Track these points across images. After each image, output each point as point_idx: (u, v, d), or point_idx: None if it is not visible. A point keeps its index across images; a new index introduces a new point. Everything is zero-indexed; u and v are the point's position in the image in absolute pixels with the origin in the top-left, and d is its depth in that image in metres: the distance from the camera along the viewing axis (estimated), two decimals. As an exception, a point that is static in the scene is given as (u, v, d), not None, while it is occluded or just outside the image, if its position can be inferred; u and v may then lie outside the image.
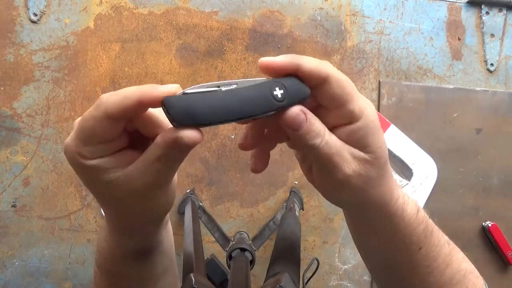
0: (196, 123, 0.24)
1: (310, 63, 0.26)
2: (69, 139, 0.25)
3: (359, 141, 0.27)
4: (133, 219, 0.29)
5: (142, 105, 0.24)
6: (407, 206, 0.31)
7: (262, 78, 0.27)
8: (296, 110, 0.26)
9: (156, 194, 0.27)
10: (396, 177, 0.88)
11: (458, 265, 0.32)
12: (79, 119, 0.26)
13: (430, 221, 0.32)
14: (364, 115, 0.27)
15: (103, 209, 0.30)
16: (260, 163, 0.30)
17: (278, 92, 0.25)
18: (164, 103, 0.24)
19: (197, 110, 0.24)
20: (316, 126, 0.26)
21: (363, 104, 0.27)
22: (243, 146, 0.29)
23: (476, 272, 0.34)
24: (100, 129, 0.24)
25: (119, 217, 0.29)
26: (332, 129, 0.28)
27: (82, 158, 0.25)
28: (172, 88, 0.25)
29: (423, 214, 0.32)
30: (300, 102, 0.26)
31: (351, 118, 0.27)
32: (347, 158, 0.27)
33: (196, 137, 0.24)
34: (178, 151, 0.25)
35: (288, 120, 0.26)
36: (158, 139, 0.24)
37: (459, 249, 0.34)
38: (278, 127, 0.28)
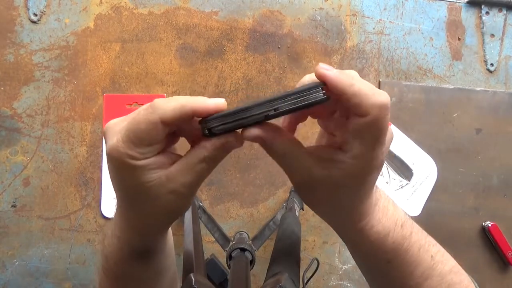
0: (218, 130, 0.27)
1: (355, 97, 0.25)
2: (115, 141, 0.26)
3: (337, 168, 0.28)
4: (154, 219, 0.30)
5: (195, 114, 0.27)
6: (371, 230, 0.31)
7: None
8: (249, 134, 0.27)
9: (189, 193, 0.29)
10: (396, 177, 0.88)
11: (440, 278, 0.32)
12: (114, 123, 0.28)
13: (410, 240, 0.32)
14: (361, 162, 0.27)
15: (123, 208, 0.31)
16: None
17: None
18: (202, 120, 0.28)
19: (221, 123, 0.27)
20: (271, 147, 0.28)
21: (370, 155, 0.27)
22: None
23: (465, 282, 0.34)
24: (154, 132, 0.26)
25: (142, 216, 0.30)
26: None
27: (131, 159, 0.26)
28: (221, 102, 0.27)
29: (397, 235, 0.31)
30: (314, 99, 0.27)
31: (350, 152, 0.27)
32: (304, 170, 0.29)
33: (242, 141, 0.28)
34: (224, 151, 0.28)
35: (248, 139, 0.28)
36: (207, 142, 0.28)
37: (448, 261, 0.34)
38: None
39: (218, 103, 0.27)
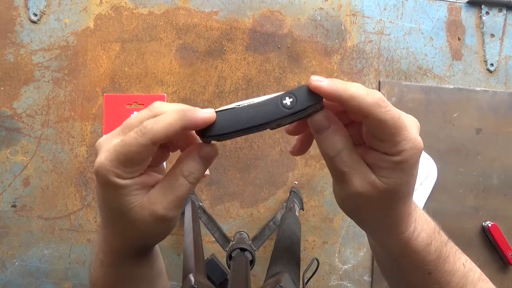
0: (221, 137, 0.28)
1: (353, 100, 0.26)
2: (103, 159, 0.27)
3: (382, 170, 0.28)
4: (136, 241, 0.30)
5: (184, 130, 0.27)
6: (416, 238, 0.31)
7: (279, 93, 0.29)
8: (321, 116, 0.27)
9: (171, 216, 0.28)
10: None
11: (473, 286, 0.32)
12: (105, 139, 0.28)
13: (447, 248, 0.32)
14: (401, 155, 0.27)
15: (106, 230, 0.31)
16: (302, 148, 0.32)
17: (288, 101, 0.27)
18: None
19: (221, 125, 0.28)
20: (335, 138, 0.28)
21: (403, 146, 0.27)
22: (294, 153, 0.33)
23: None
24: (144, 154, 0.26)
25: (124, 238, 0.30)
26: (368, 146, 0.29)
27: (116, 177, 0.27)
28: (210, 113, 0.27)
29: (437, 243, 0.32)
30: (312, 110, 0.28)
31: (388, 152, 0.27)
32: (359, 178, 0.28)
33: (216, 150, 0.29)
34: (202, 165, 0.28)
35: (312, 122, 0.28)
36: (184, 155, 0.28)
37: (476, 269, 0.34)
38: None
39: (206, 117, 0.27)
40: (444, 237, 0.33)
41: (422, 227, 0.31)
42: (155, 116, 0.27)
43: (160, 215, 0.28)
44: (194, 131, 0.28)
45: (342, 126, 0.28)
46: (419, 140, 0.28)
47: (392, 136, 0.27)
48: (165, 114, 0.27)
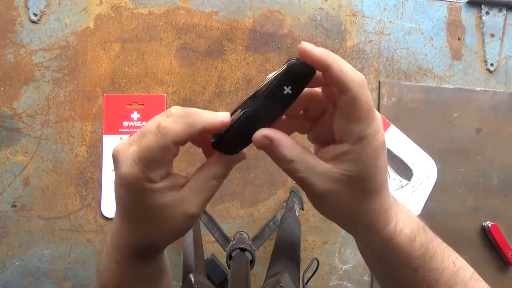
0: (238, 150, 0.29)
1: (340, 71, 0.27)
2: (129, 167, 0.27)
3: (345, 155, 0.28)
4: (161, 239, 0.31)
5: (204, 132, 0.28)
6: (399, 234, 0.30)
7: (270, 78, 0.29)
8: (259, 136, 0.28)
9: (199, 212, 0.29)
10: (396, 177, 0.88)
11: (464, 285, 0.32)
12: (122, 147, 0.28)
13: (433, 244, 0.32)
14: (365, 138, 0.27)
15: (126, 231, 0.31)
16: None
17: (288, 89, 0.27)
18: (215, 147, 0.29)
19: (235, 143, 0.29)
20: (279, 152, 0.28)
21: (368, 130, 0.27)
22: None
23: None
24: (167, 155, 0.27)
25: (148, 237, 0.30)
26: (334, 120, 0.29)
27: (149, 183, 0.27)
28: (226, 116, 0.28)
29: (422, 239, 0.31)
30: (307, 83, 0.28)
31: (352, 134, 0.27)
32: (320, 178, 0.28)
33: (244, 155, 0.30)
34: (231, 167, 0.30)
35: (256, 144, 0.28)
36: (215, 160, 0.29)
37: (467, 267, 0.33)
38: (298, 116, 0.32)
39: (224, 120, 0.28)
40: (430, 233, 0.32)
41: (405, 222, 0.31)
42: (170, 117, 0.28)
43: (192, 213, 0.29)
44: (215, 149, 0.29)
45: (286, 136, 0.28)
46: (382, 132, 0.29)
47: (361, 120, 0.27)
48: (184, 115, 0.27)
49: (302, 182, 0.28)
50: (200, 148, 0.32)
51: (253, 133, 0.28)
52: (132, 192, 0.27)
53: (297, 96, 0.28)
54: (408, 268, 0.31)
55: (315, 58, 0.27)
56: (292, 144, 0.28)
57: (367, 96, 0.27)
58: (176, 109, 0.28)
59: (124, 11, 0.83)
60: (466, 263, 0.34)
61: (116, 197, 0.30)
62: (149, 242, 0.31)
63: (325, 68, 0.27)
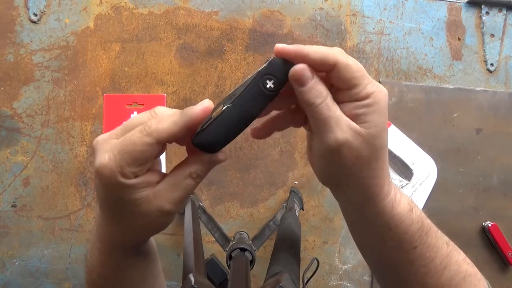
0: (218, 148, 0.29)
1: (317, 53, 0.28)
2: (106, 159, 0.27)
3: (359, 116, 0.28)
4: (136, 233, 0.31)
5: (188, 128, 0.27)
6: (399, 203, 0.31)
7: (250, 77, 0.29)
8: (303, 66, 0.28)
9: (174, 209, 0.29)
10: (396, 177, 0.88)
11: (457, 266, 0.32)
12: (103, 139, 0.28)
13: (427, 221, 0.32)
14: (371, 97, 0.28)
15: (105, 221, 0.31)
16: (262, 133, 0.33)
17: (270, 84, 0.28)
18: (194, 142, 0.29)
19: (215, 140, 0.28)
20: (319, 86, 0.28)
21: (371, 88, 0.28)
22: (256, 135, 0.33)
23: (479, 274, 0.33)
24: (149, 153, 0.27)
25: (124, 231, 0.30)
26: (339, 103, 0.29)
27: (123, 178, 0.27)
28: (206, 103, 0.28)
29: (418, 213, 0.32)
30: (287, 76, 0.29)
31: (358, 98, 0.28)
32: (343, 125, 0.28)
33: (224, 156, 0.30)
34: (210, 167, 0.29)
35: (295, 74, 0.28)
36: (193, 158, 0.29)
37: (460, 251, 0.33)
38: (291, 110, 0.32)
39: (205, 107, 0.28)
40: (420, 211, 0.33)
41: (402, 193, 0.32)
42: (156, 118, 0.28)
43: (167, 210, 0.29)
44: (197, 149, 0.29)
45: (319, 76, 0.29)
46: (381, 85, 0.30)
47: (359, 80, 0.28)
48: (169, 114, 0.28)
49: (325, 125, 0.28)
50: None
51: (234, 130, 0.28)
52: (105, 184, 0.27)
53: (279, 90, 0.28)
54: (406, 244, 0.31)
55: (292, 53, 0.28)
56: (326, 88, 0.29)
57: (353, 59, 0.28)
58: (161, 109, 0.28)
59: (124, 11, 0.83)
60: (458, 248, 0.34)
61: (95, 189, 0.30)
62: (126, 235, 0.31)
63: (305, 57, 0.28)
